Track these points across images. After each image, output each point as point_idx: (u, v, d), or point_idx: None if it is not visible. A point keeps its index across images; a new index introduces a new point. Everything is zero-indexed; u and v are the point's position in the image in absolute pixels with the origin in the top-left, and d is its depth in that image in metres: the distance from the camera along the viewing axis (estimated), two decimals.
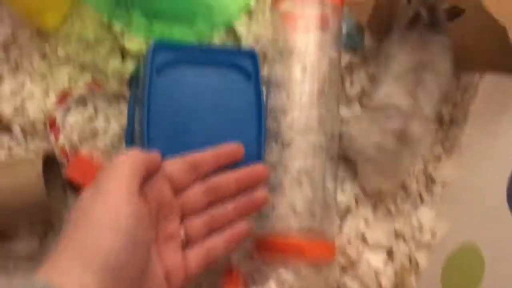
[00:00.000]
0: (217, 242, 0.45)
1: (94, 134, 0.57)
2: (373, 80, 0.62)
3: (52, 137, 0.55)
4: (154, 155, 0.42)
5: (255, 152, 0.51)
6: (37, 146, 0.56)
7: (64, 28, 0.59)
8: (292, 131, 0.56)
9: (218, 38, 0.61)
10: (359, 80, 0.62)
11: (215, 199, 0.46)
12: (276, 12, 0.58)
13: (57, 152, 0.55)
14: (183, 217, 0.45)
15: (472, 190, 0.57)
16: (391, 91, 0.56)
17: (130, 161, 0.39)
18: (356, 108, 0.61)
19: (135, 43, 0.59)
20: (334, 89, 0.57)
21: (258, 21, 0.62)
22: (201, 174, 0.46)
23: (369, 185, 0.59)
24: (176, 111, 0.50)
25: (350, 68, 0.62)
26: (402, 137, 0.55)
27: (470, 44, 0.56)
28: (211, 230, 0.46)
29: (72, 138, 0.56)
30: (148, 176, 0.41)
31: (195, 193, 0.45)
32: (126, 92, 0.58)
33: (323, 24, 0.57)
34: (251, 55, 0.53)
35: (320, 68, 0.56)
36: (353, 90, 0.62)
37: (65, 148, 0.55)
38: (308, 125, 0.56)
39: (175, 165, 0.44)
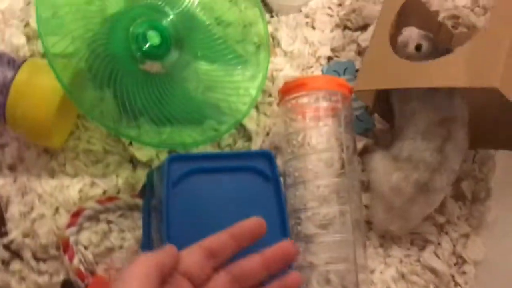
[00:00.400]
0: None
1: (109, 250, 0.55)
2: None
3: (66, 260, 0.53)
4: (168, 252, 0.38)
5: None
6: (50, 269, 0.54)
7: (71, 143, 0.58)
8: (313, 225, 0.54)
9: (228, 136, 0.60)
10: None
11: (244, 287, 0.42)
12: (285, 105, 0.57)
13: (72, 274, 0.52)
14: None
15: (507, 269, 0.54)
16: (419, 146, 0.55)
17: (141, 271, 0.35)
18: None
19: (145, 151, 0.58)
20: (353, 177, 0.56)
21: (267, 114, 0.62)
22: (223, 260, 0.42)
23: (378, 222, 0.58)
24: (196, 220, 0.48)
25: (364, 152, 0.61)
26: (423, 188, 0.54)
27: (488, 125, 0.56)
28: None
29: (87, 258, 0.54)
30: (164, 279, 0.37)
31: (220, 284, 0.41)
32: (139, 202, 0.56)
33: (334, 113, 0.56)
34: (266, 156, 0.51)
35: (336, 157, 0.56)
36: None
37: (80, 270, 0.52)
38: (330, 218, 0.54)
39: (192, 257, 0.40)
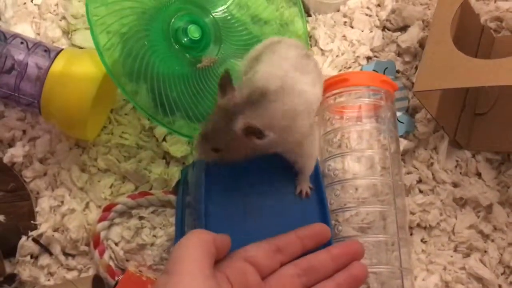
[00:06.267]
0: None
1: (141, 247, 0.53)
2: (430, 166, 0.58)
3: (96, 255, 0.51)
4: (222, 235, 0.40)
5: None
6: (79, 265, 0.52)
7: (103, 137, 0.57)
8: (352, 228, 0.52)
9: None
10: (417, 166, 0.58)
11: (311, 282, 0.42)
12: (324, 102, 0.55)
13: (102, 270, 0.50)
14: None
15: None
16: None
17: (199, 240, 0.37)
18: (417, 196, 0.57)
19: (179, 147, 0.56)
20: (396, 179, 0.53)
21: None
22: (288, 257, 0.42)
23: None
24: (234, 217, 0.46)
25: (405, 155, 0.59)
26: None
27: None
28: None
29: (118, 254, 0.52)
30: (219, 256, 0.39)
31: (288, 276, 0.41)
32: (172, 199, 0.54)
33: (376, 111, 0.54)
34: None
35: (376, 158, 0.53)
36: (411, 177, 0.58)
37: (110, 266, 0.51)
38: (369, 221, 0.52)
39: (258, 248, 0.41)
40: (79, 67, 0.51)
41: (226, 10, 0.60)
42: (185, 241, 0.37)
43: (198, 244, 0.37)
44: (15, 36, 0.52)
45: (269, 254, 0.41)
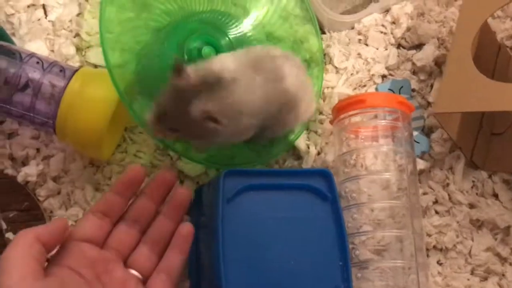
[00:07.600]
0: (171, 256, 0.45)
1: None
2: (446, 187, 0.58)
3: None
4: (54, 223, 0.40)
5: (341, 277, 0.46)
6: None
7: (117, 156, 0.56)
8: (368, 251, 0.52)
9: (279, 156, 0.58)
10: (433, 187, 0.58)
11: (144, 225, 0.46)
12: (340, 123, 0.55)
13: None
14: (126, 259, 0.45)
15: None
16: None
17: (22, 247, 0.37)
18: (434, 218, 0.56)
19: (194, 166, 0.56)
20: (413, 201, 0.52)
21: (317, 133, 0.60)
22: (116, 216, 0.45)
23: None
24: (250, 238, 0.46)
25: (421, 175, 0.58)
26: None
27: None
28: (160, 251, 0.46)
29: None
30: (52, 248, 0.39)
31: (122, 231, 0.45)
32: (186, 219, 0.54)
33: (393, 132, 0.54)
34: (325, 175, 0.49)
35: (393, 179, 0.53)
36: (426, 198, 0.57)
37: None
38: (385, 243, 0.51)
39: (86, 222, 0.43)
40: (96, 88, 0.50)
41: (242, 31, 0.59)
42: (7, 251, 0.36)
43: (20, 251, 0.36)
44: (32, 55, 0.52)
45: (97, 223, 0.43)
